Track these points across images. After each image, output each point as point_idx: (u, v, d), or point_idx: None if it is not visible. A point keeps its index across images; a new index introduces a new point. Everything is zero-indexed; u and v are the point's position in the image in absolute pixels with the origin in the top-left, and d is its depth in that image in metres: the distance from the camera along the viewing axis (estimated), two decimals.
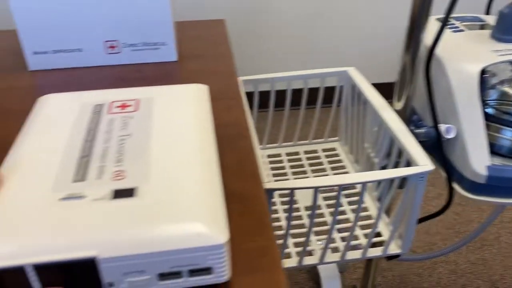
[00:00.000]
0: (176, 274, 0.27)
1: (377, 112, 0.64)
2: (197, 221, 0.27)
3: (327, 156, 0.82)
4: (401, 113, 0.68)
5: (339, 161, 0.80)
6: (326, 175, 0.78)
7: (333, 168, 0.79)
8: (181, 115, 0.37)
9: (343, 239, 0.66)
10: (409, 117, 0.70)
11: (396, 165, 0.64)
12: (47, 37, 0.59)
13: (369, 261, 0.95)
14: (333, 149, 0.83)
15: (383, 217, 0.70)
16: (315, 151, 0.83)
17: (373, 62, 1.93)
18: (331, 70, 0.77)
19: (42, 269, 0.25)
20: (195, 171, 0.31)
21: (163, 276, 0.27)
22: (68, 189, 0.29)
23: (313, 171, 0.79)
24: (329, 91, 0.78)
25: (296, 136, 0.83)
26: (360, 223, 0.69)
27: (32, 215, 0.27)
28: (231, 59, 0.64)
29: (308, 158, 0.82)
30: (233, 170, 0.40)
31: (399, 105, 0.68)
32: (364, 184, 0.53)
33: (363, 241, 0.65)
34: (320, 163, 0.80)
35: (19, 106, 0.52)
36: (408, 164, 0.57)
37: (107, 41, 0.60)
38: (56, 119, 0.37)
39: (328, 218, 0.69)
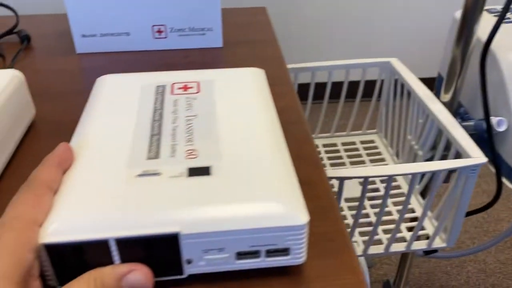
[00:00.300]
0: (253, 254, 0.27)
1: (424, 104, 0.63)
2: (278, 201, 0.26)
3: (365, 148, 0.81)
4: (447, 106, 0.67)
5: (378, 153, 0.79)
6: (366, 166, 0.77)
7: (372, 161, 0.78)
8: (244, 97, 0.37)
9: (384, 231, 0.65)
10: (455, 110, 0.69)
11: (442, 158, 0.62)
12: (95, 20, 0.59)
13: (403, 256, 0.94)
14: (372, 141, 0.82)
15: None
16: (353, 143, 0.82)
17: (409, 56, 1.88)
18: (373, 61, 0.76)
19: (125, 244, 0.25)
20: (267, 151, 0.30)
21: (241, 255, 0.27)
22: (143, 166, 0.29)
23: (352, 163, 0.78)
24: (368, 85, 0.77)
25: (334, 127, 0.82)
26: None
27: (111, 190, 0.27)
28: (277, 45, 0.63)
29: (346, 150, 0.81)
30: (293, 155, 0.40)
31: (447, 97, 0.66)
32: (415, 175, 0.52)
33: (405, 234, 0.64)
34: (359, 155, 0.79)
35: (69, 87, 0.53)
36: (457, 156, 0.56)
37: (154, 25, 0.60)
38: (119, 99, 0.37)
39: (369, 210, 0.68)
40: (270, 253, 0.27)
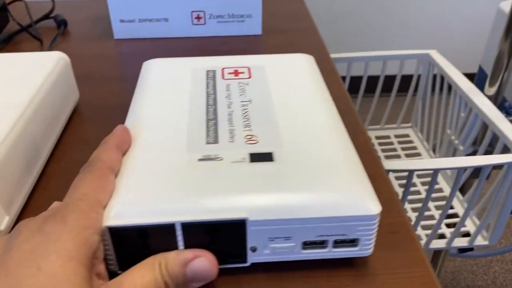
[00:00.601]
0: (320, 244, 0.26)
1: (467, 97, 0.61)
2: (350, 189, 0.25)
3: (400, 143, 0.79)
4: (491, 100, 0.65)
5: (413, 147, 0.77)
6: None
7: (407, 155, 0.76)
8: (298, 83, 0.36)
9: (422, 227, 0.63)
10: (499, 105, 0.66)
11: (486, 153, 0.60)
12: (134, 5, 0.58)
13: (435, 254, 0.92)
14: (406, 136, 0.80)
15: (465, 206, 0.67)
16: (387, 137, 0.80)
17: (446, 50, 1.82)
18: (411, 52, 0.74)
19: (190, 229, 0.24)
20: (331, 139, 0.29)
21: (307, 245, 0.25)
22: (203, 150, 0.28)
23: (386, 157, 0.76)
24: (404, 78, 0.75)
25: (367, 120, 0.80)
26: (439, 211, 0.66)
27: (174, 174, 0.26)
28: (317, 33, 0.61)
29: (380, 144, 0.79)
30: None
31: (491, 91, 0.64)
32: (460, 170, 0.51)
33: (444, 230, 0.63)
34: (393, 149, 0.78)
35: (109, 72, 0.52)
36: (503, 151, 0.54)
37: (193, 11, 0.59)
38: (170, 83, 0.36)
39: (407, 206, 0.66)
40: (337, 243, 0.26)
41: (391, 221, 0.30)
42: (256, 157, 0.27)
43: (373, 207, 0.25)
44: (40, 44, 0.59)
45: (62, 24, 0.64)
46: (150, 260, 0.23)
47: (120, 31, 0.60)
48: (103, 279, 0.23)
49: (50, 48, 0.58)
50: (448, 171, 0.69)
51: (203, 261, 0.24)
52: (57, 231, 0.21)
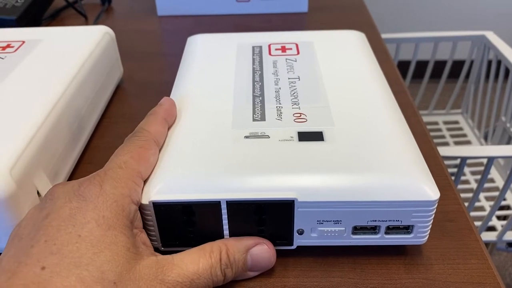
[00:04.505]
0: (371, 229, 0.24)
1: None
2: (407, 173, 0.23)
3: (448, 129, 0.75)
4: None
5: (463, 135, 0.73)
6: None
7: (456, 142, 0.73)
8: (349, 60, 0.34)
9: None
10: None
11: None
12: None
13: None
14: (456, 122, 0.76)
15: None
16: (435, 123, 0.77)
17: (506, 32, 1.69)
18: (465, 34, 0.70)
19: (236, 207, 0.23)
20: (385, 119, 0.27)
21: (357, 230, 0.24)
22: (250, 127, 0.27)
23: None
24: (455, 65, 0.71)
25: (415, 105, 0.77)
26: (489, 202, 0.63)
27: (220, 150, 0.25)
28: (366, 10, 0.59)
29: (429, 130, 0.76)
30: None
31: None
32: None
33: (494, 222, 0.60)
34: (442, 136, 0.74)
35: (152, 48, 0.52)
36: None
37: None
38: (215, 58, 0.35)
39: None
40: (390, 229, 0.24)
41: (447, 209, 0.28)
42: (306, 136, 0.26)
43: (431, 192, 0.23)
44: (85, 20, 0.59)
45: (106, 0, 0.64)
46: (207, 246, 0.22)
47: (163, 7, 0.59)
48: (150, 248, 0.22)
49: (95, 24, 0.58)
50: (501, 161, 0.66)
51: (265, 248, 0.23)
52: (93, 197, 0.20)
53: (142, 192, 0.23)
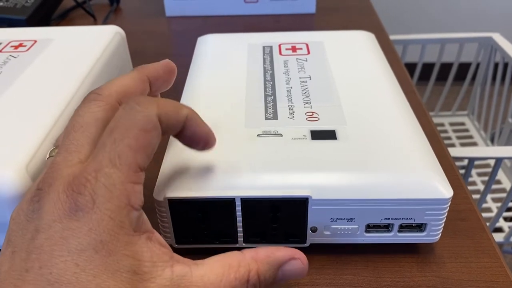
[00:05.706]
0: (384, 228, 0.24)
1: None
2: (420, 171, 0.23)
3: (454, 131, 0.75)
4: None
5: (469, 136, 0.73)
6: None
7: (462, 144, 0.73)
8: (360, 60, 0.34)
9: None
10: None
11: None
12: None
13: None
14: (462, 124, 0.76)
15: None
16: (441, 124, 0.77)
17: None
18: (472, 35, 0.70)
19: (250, 205, 0.23)
20: (397, 118, 0.27)
21: (370, 228, 0.24)
22: (262, 126, 0.27)
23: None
24: (461, 67, 0.71)
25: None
26: (496, 204, 0.63)
27: (234, 148, 0.25)
28: (374, 12, 0.59)
29: None
30: None
31: None
32: None
33: (502, 223, 0.60)
34: (448, 137, 0.74)
35: (161, 49, 0.52)
36: None
37: None
38: (226, 58, 0.35)
39: None
40: (403, 228, 0.24)
41: (459, 207, 0.28)
42: (318, 135, 0.26)
43: (445, 190, 0.23)
44: (93, 20, 0.60)
45: (115, 1, 0.64)
46: (234, 261, 0.19)
47: (172, 8, 0.60)
48: (166, 247, 0.19)
49: (104, 24, 0.59)
50: (507, 162, 0.66)
51: (298, 264, 0.20)
52: (86, 217, 0.17)
53: (154, 188, 0.23)
